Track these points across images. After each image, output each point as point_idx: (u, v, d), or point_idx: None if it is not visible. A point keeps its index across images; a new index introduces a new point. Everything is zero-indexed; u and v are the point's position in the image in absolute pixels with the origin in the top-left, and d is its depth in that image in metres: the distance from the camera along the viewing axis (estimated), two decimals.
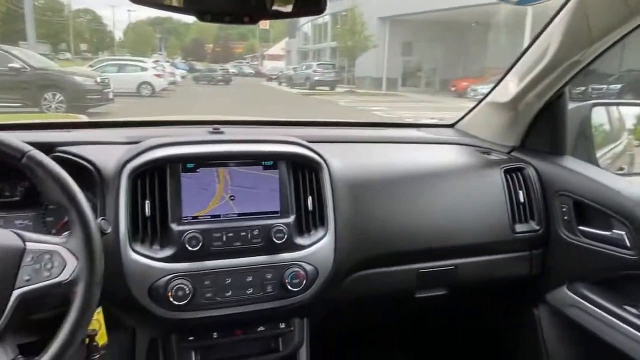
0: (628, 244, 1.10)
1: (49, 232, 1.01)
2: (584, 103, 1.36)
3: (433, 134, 1.56)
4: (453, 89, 19.34)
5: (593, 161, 1.34)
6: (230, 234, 1.01)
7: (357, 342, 1.63)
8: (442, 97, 18.87)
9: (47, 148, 0.90)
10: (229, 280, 1.00)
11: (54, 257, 0.74)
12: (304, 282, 1.03)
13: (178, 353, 1.05)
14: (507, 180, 1.30)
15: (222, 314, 1.00)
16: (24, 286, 0.72)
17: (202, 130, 1.24)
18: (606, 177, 1.21)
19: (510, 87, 1.32)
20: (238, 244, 1.01)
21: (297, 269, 1.03)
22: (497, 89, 1.41)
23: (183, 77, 23.56)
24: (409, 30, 23.60)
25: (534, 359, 1.36)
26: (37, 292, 0.73)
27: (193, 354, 1.07)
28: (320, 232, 1.07)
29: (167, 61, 27.47)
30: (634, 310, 1.09)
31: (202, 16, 0.76)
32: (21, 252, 0.73)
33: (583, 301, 1.20)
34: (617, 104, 1.52)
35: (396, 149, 1.42)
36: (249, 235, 1.02)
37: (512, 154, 1.41)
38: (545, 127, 1.35)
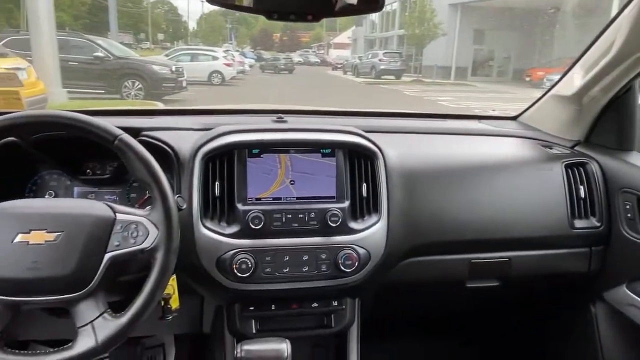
0: None
1: (132, 207, 1.15)
2: None
3: (495, 126, 1.55)
4: (527, 78, 18.35)
5: None
6: (289, 216, 1.09)
7: (407, 328, 1.67)
8: (515, 87, 18.00)
9: (134, 132, 1.02)
10: (287, 258, 1.08)
11: (139, 227, 0.86)
12: (356, 264, 1.09)
13: (240, 320, 1.16)
14: (567, 174, 1.28)
15: (280, 288, 1.09)
16: (114, 250, 0.84)
17: (266, 119, 1.33)
18: None
19: (576, 80, 1.29)
20: (296, 225, 1.09)
21: (350, 251, 1.09)
22: (562, 81, 1.38)
23: (251, 66, 24.19)
24: (482, 17, 22.64)
25: (589, 358, 1.34)
26: (124, 256, 0.85)
27: (253, 322, 1.17)
28: (374, 218, 1.13)
29: (237, 50, 28.33)
30: None
31: (269, 15, 0.83)
32: (112, 222, 0.85)
33: None
34: None
35: (455, 141, 1.43)
36: (306, 217, 1.10)
37: (576, 148, 1.38)
38: (612, 122, 1.31)
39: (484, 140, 1.44)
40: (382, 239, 1.12)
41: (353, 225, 1.11)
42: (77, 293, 0.82)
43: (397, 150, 1.21)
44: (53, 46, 7.64)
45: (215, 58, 15.81)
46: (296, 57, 32.07)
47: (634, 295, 1.19)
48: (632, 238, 1.20)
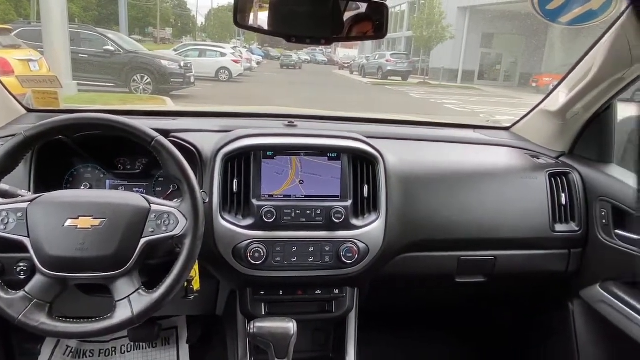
0: None
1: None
2: (634, 115, 1.43)
3: (488, 136, 1.68)
4: (534, 84, 18.36)
5: (638, 170, 1.41)
6: (298, 211, 1.23)
7: (401, 319, 1.81)
8: (521, 92, 18.09)
9: (164, 133, 1.15)
10: (294, 249, 1.22)
11: (170, 217, 0.99)
12: (356, 256, 1.23)
13: (251, 303, 1.29)
14: (551, 183, 1.41)
15: (288, 276, 1.23)
16: (149, 236, 0.97)
17: (279, 123, 1.46)
18: None
19: (561, 97, 1.42)
20: (304, 220, 1.23)
21: (351, 245, 1.23)
22: (549, 98, 1.51)
23: (258, 63, 24.30)
24: (490, 21, 22.66)
25: (566, 350, 1.47)
26: (157, 241, 0.98)
27: (263, 305, 1.31)
28: (373, 216, 1.26)
29: (244, 47, 28.41)
30: None
31: (289, 38, 0.97)
32: (147, 211, 0.99)
33: (613, 299, 1.29)
34: None
35: (450, 148, 1.56)
36: (313, 213, 1.23)
37: (560, 159, 1.51)
38: (593, 136, 1.44)
39: (477, 149, 1.57)
40: (380, 235, 1.26)
41: (355, 222, 1.25)
42: (117, 271, 0.95)
43: (397, 156, 1.34)
44: (65, 38, 7.65)
45: (223, 54, 15.91)
46: (304, 55, 32.21)
47: (605, 294, 1.32)
48: (606, 242, 1.33)
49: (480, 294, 1.62)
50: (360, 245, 1.23)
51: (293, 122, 1.44)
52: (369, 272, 1.27)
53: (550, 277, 1.45)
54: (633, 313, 1.23)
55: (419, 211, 1.32)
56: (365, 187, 1.27)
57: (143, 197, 1.01)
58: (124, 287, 0.96)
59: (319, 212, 1.23)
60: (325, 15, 0.94)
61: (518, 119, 1.73)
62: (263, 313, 1.30)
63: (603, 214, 1.35)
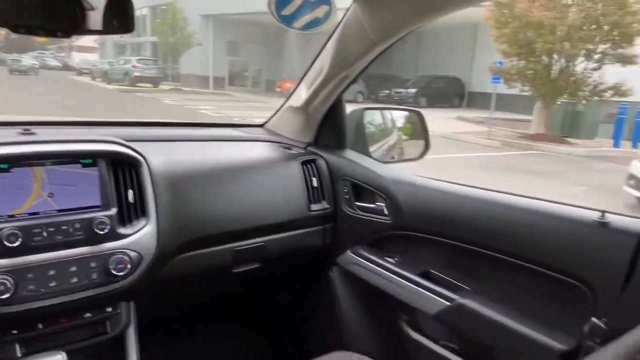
0: (386, 212, 1.49)
1: None
2: (358, 108, 1.74)
3: (246, 133, 1.79)
4: (278, 89, 20.21)
5: (366, 153, 1.73)
6: (52, 229, 1.07)
7: (188, 323, 1.78)
8: (267, 97, 19.65)
9: None
10: (52, 272, 1.06)
11: None
12: (129, 267, 1.14)
13: (0, 348, 1.07)
14: (303, 169, 1.60)
15: (47, 305, 1.06)
16: None
17: (10, 132, 1.24)
18: (373, 164, 1.60)
19: (302, 94, 1.63)
20: (60, 237, 1.08)
21: (121, 255, 1.14)
22: (293, 95, 1.71)
23: None
24: (234, 30, 23.85)
25: (331, 310, 1.70)
26: None
27: (17, 347, 1.09)
28: (142, 222, 1.20)
29: None
30: (390, 260, 1.49)
31: (16, 29, 0.84)
32: None
33: (360, 259, 1.56)
34: (383, 109, 1.96)
35: (213, 147, 1.61)
36: (71, 228, 1.09)
37: (308, 148, 1.72)
38: (330, 126, 1.69)
39: (237, 145, 1.67)
40: (152, 240, 1.20)
41: (122, 230, 1.16)
42: None
43: (161, 157, 1.31)
44: None
45: None
46: (30, 59, 27.56)
47: (355, 256, 1.58)
48: (350, 214, 1.60)
49: (259, 279, 1.72)
50: (132, 254, 1.16)
51: (30, 130, 1.24)
52: (144, 280, 1.20)
53: (313, 251, 1.65)
54: (374, 266, 1.51)
55: (189, 210, 1.32)
56: (130, 193, 1.20)
57: None
58: None
59: (77, 226, 1.10)
60: (62, 4, 0.84)
61: (270, 116, 1.89)
62: (19, 355, 1.09)
63: (345, 190, 1.60)
